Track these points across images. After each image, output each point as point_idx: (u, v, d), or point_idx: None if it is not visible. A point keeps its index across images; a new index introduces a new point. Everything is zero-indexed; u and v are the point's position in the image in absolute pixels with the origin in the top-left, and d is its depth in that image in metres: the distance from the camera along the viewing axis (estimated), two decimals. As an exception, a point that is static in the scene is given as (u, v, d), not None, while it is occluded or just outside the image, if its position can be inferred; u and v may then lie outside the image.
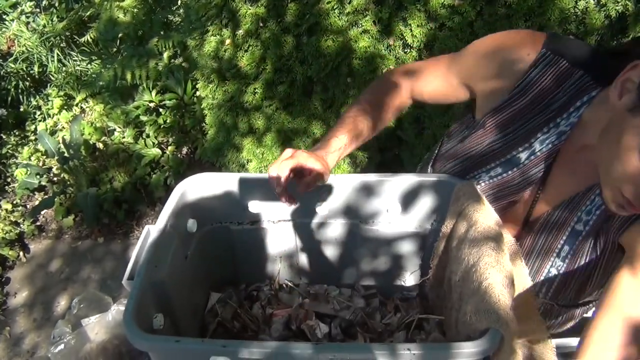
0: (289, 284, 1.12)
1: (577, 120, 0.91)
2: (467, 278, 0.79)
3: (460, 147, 1.05)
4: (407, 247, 1.04)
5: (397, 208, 0.99)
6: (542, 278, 0.99)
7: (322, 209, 0.98)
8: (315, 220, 1.03)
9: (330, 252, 1.08)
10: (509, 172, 0.99)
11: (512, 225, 1.05)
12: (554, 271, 0.99)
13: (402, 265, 1.07)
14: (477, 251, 0.79)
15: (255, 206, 1.01)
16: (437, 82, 1.07)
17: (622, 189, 0.78)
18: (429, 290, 1.04)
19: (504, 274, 0.76)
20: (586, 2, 1.64)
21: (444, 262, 0.95)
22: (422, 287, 1.08)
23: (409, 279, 1.09)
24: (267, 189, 0.98)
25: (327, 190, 0.97)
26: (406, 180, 0.95)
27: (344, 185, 0.96)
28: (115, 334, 0.98)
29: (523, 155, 0.97)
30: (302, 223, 1.04)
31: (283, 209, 1.02)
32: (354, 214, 1.00)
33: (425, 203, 0.99)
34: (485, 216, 0.86)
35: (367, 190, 0.96)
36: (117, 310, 1.00)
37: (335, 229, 1.03)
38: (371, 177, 0.94)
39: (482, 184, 1.01)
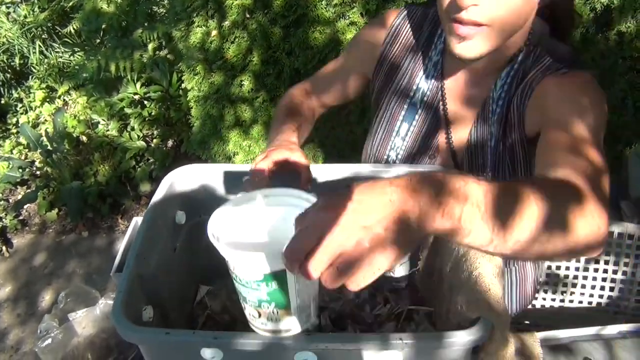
0: (278, 275, 1.11)
1: (443, 46, 1.02)
2: (457, 268, 0.79)
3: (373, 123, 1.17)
4: (396, 238, 1.04)
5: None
6: None
7: (313, 199, 0.98)
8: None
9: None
10: (414, 123, 1.07)
11: None
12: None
13: (392, 257, 1.07)
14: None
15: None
16: (333, 87, 1.19)
17: (449, 13, 0.84)
18: (419, 282, 1.04)
19: (493, 263, 0.76)
20: (572, -5, 1.66)
21: (433, 253, 0.95)
22: (411, 278, 1.08)
23: (399, 270, 1.09)
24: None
25: (318, 179, 0.96)
26: (398, 171, 0.95)
27: (336, 174, 0.95)
28: (103, 327, 0.97)
29: (416, 101, 1.07)
30: (291, 214, 1.03)
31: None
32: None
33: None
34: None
35: (360, 181, 0.95)
36: (104, 303, 0.99)
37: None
38: (364, 168, 0.94)
39: (399, 151, 1.10)
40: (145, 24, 2.84)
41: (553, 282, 1.36)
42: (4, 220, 2.83)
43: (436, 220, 0.51)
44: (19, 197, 2.94)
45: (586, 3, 1.66)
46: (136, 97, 2.85)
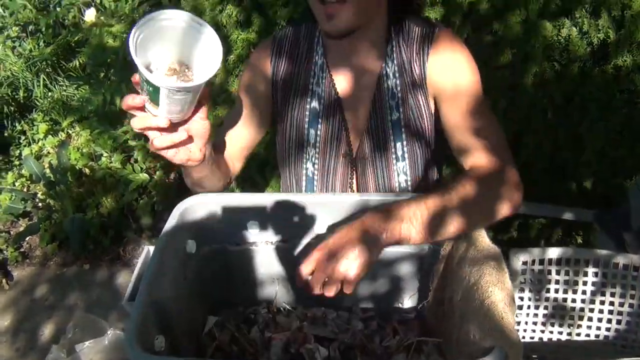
0: (287, 307, 1.11)
1: (323, 49, 1.11)
2: (468, 297, 0.80)
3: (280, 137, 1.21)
4: (405, 269, 1.04)
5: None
6: (397, 189, 1.14)
7: (321, 229, 0.99)
8: (313, 241, 1.03)
9: (328, 273, 1.08)
10: (319, 127, 1.13)
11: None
12: (403, 177, 1.12)
13: (401, 287, 1.08)
14: (478, 270, 0.80)
15: (253, 227, 1.01)
16: (238, 132, 1.17)
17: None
18: (428, 312, 1.04)
19: (505, 292, 0.76)
20: (569, 30, 1.70)
21: (443, 283, 0.96)
22: (420, 309, 1.08)
23: (407, 301, 1.09)
24: (266, 209, 0.98)
25: (326, 210, 0.97)
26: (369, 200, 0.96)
27: (343, 205, 0.96)
28: (111, 358, 0.97)
29: (315, 105, 1.13)
30: (299, 244, 1.04)
31: (281, 230, 1.02)
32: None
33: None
34: (484, 235, 0.87)
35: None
36: (112, 334, 0.99)
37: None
38: (372, 197, 0.95)
39: (315, 160, 1.15)
40: (150, 59, 2.89)
41: (559, 315, 1.35)
42: (4, 252, 2.82)
43: (385, 238, 0.80)
44: (21, 229, 2.93)
45: (583, 38, 1.70)
46: (140, 129, 2.87)
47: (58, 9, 3.87)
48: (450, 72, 1.04)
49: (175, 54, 0.77)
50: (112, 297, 2.55)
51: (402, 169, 1.12)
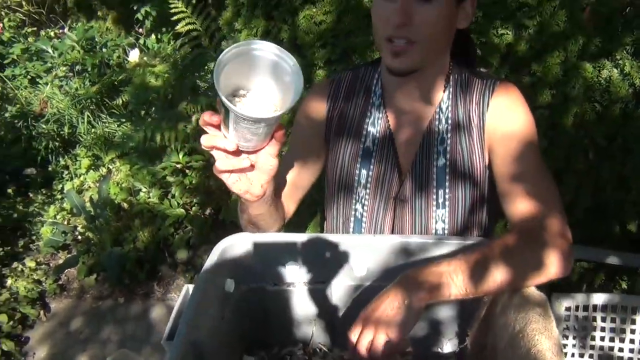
0: (323, 348, 1.09)
1: (381, 91, 1.12)
2: (513, 344, 0.77)
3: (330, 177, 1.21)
4: (445, 313, 1.02)
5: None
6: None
7: (360, 271, 0.98)
8: (352, 283, 1.02)
9: (366, 315, 1.06)
10: (371, 168, 1.13)
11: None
12: (440, 225, 1.10)
13: (440, 331, 1.05)
14: (524, 316, 0.78)
15: (292, 267, 1.01)
16: (291, 174, 1.17)
17: (384, 37, 0.97)
18: (469, 359, 1.01)
19: (552, 341, 0.74)
20: (609, 72, 1.68)
21: (485, 329, 0.93)
22: (460, 355, 1.05)
23: (447, 345, 1.07)
24: (305, 249, 0.98)
25: (364, 251, 0.97)
26: (446, 245, 0.95)
27: (384, 246, 0.96)
28: (147, 396, 0.97)
29: (369, 145, 1.13)
30: (337, 285, 1.03)
31: (319, 271, 1.01)
32: (392, 277, 1.00)
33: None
34: (529, 281, 0.85)
35: (407, 253, 0.96)
36: (149, 371, 0.99)
37: (373, 292, 1.02)
38: (412, 239, 0.94)
39: (364, 202, 1.14)
40: (190, 97, 2.98)
41: (589, 354, 1.30)
42: (44, 284, 2.88)
43: (425, 298, 0.82)
44: (60, 261, 2.99)
45: (624, 79, 1.68)
46: (178, 166, 2.94)
47: (104, 50, 4.05)
48: (504, 121, 1.04)
49: (258, 83, 0.77)
50: (146, 331, 2.57)
51: (441, 216, 1.10)
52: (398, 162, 1.12)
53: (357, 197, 1.16)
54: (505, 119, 1.04)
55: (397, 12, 0.92)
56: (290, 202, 1.18)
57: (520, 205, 0.97)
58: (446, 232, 1.11)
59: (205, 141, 0.79)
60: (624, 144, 1.75)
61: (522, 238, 0.90)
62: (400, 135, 1.12)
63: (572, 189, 1.84)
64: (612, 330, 1.27)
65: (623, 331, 1.27)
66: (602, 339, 1.28)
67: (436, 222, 1.10)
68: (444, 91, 1.09)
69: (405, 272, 0.82)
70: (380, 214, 1.15)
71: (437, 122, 1.09)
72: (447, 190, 1.08)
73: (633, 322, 1.26)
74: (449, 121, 1.08)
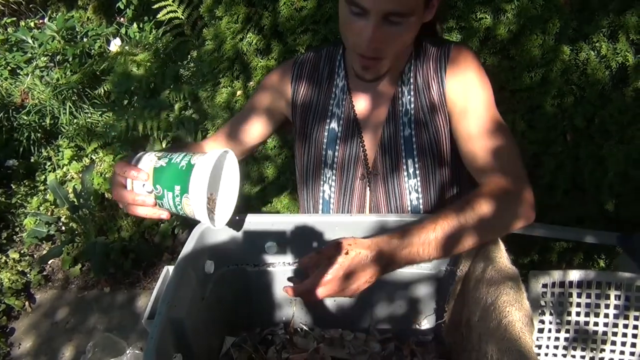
0: (304, 327, 1.11)
1: (344, 72, 1.14)
2: (486, 317, 0.79)
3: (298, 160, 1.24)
4: (422, 290, 1.04)
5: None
6: (409, 207, 1.14)
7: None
8: (331, 263, 1.03)
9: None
10: (337, 148, 1.15)
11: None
12: (414, 195, 1.13)
13: (418, 309, 1.07)
14: (495, 290, 0.80)
15: (272, 248, 1.02)
16: (236, 135, 1.23)
17: (354, 49, 0.99)
18: (446, 334, 1.03)
19: (523, 312, 0.76)
20: (587, 54, 1.70)
21: (460, 304, 0.95)
22: (438, 331, 1.07)
23: (425, 322, 1.09)
24: (284, 230, 0.99)
25: (343, 230, 0.98)
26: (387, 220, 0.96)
27: (362, 225, 0.97)
28: (130, 378, 0.98)
29: (334, 126, 1.14)
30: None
31: (299, 251, 1.03)
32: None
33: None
34: (501, 255, 0.87)
35: (384, 232, 0.97)
36: (132, 353, 1.00)
37: (351, 271, 1.04)
38: (389, 218, 0.96)
39: (331, 182, 1.17)
40: (172, 86, 2.96)
41: (582, 339, 1.33)
42: (28, 275, 2.87)
43: (399, 260, 0.83)
44: (44, 252, 2.98)
45: (601, 61, 1.70)
46: (161, 154, 2.93)
47: (85, 40, 4.00)
48: (463, 88, 1.06)
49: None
50: (132, 320, 2.57)
51: (413, 186, 1.12)
52: (362, 143, 1.14)
53: (324, 179, 1.19)
54: (462, 82, 1.06)
55: (369, 36, 0.92)
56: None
57: (484, 163, 1.00)
58: (420, 201, 1.13)
59: (142, 211, 0.90)
60: (601, 125, 1.77)
61: (491, 195, 0.91)
62: (365, 115, 1.14)
63: (551, 170, 1.86)
64: (588, 305, 1.30)
65: (598, 306, 1.30)
66: (578, 314, 1.31)
67: (409, 192, 1.13)
68: (406, 64, 1.11)
69: (381, 247, 0.82)
70: (347, 195, 1.18)
71: (400, 95, 1.11)
72: (416, 160, 1.11)
73: (607, 297, 1.29)
74: (411, 92, 1.10)
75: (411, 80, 1.10)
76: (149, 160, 0.87)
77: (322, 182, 1.20)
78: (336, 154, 1.16)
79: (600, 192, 1.84)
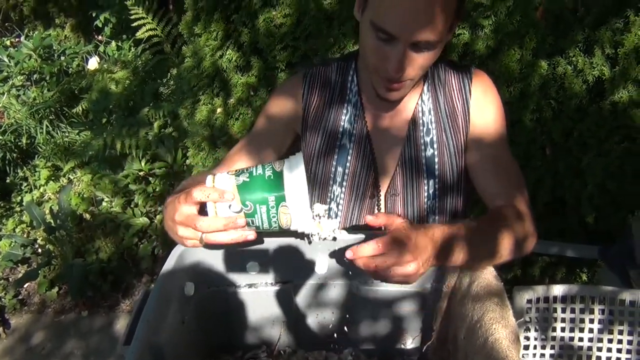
0: (288, 349, 1.08)
1: (357, 88, 1.12)
2: (472, 335, 0.78)
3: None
4: (407, 308, 1.02)
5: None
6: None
7: (321, 269, 0.97)
8: (314, 282, 1.01)
9: (330, 315, 1.06)
10: (347, 165, 1.12)
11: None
12: (432, 217, 1.11)
13: (403, 328, 1.05)
14: (481, 306, 0.79)
15: (253, 268, 1.00)
16: (248, 161, 1.16)
17: (378, 72, 0.96)
18: (432, 353, 1.01)
19: (509, 329, 0.75)
20: (564, 68, 1.72)
21: (446, 321, 0.94)
22: (423, 351, 1.06)
23: (410, 342, 1.07)
24: (266, 249, 0.97)
25: (327, 249, 0.96)
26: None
27: (344, 244, 0.95)
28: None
29: (345, 142, 1.13)
30: (300, 285, 1.02)
31: (282, 271, 1.01)
32: (353, 274, 1.00)
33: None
34: (486, 271, 0.86)
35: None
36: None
37: (335, 291, 1.02)
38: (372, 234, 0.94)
39: (339, 200, 1.14)
40: (152, 103, 2.94)
41: (567, 354, 1.32)
42: (2, 300, 2.79)
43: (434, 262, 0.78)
44: (19, 275, 2.90)
45: (578, 75, 1.72)
46: (141, 173, 2.89)
47: (62, 58, 3.96)
48: (486, 113, 1.08)
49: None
50: (110, 344, 2.50)
51: (432, 208, 1.11)
52: (375, 162, 1.11)
53: (332, 196, 1.15)
54: (485, 107, 1.08)
55: (396, 62, 0.91)
56: None
57: (499, 188, 1.03)
58: (437, 223, 1.11)
59: (230, 237, 0.79)
60: (579, 139, 1.79)
61: (516, 216, 0.94)
62: (379, 133, 1.12)
63: (532, 184, 1.87)
64: (572, 320, 1.30)
65: (582, 321, 1.29)
66: (563, 329, 1.30)
67: (428, 214, 1.11)
68: (423, 84, 1.10)
69: (435, 236, 0.78)
70: (355, 214, 1.14)
71: (420, 114, 1.09)
72: (437, 180, 1.09)
73: (591, 311, 1.29)
74: (431, 112, 1.09)
75: (430, 100, 1.09)
76: (226, 179, 0.79)
77: (328, 200, 1.16)
78: (346, 171, 1.13)
79: (580, 205, 1.86)
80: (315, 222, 0.81)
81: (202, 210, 0.80)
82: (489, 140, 1.06)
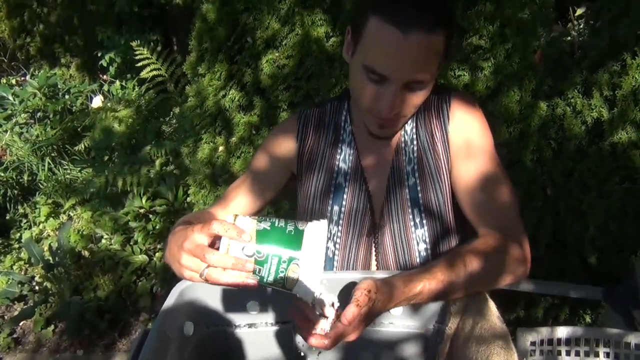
0: (287, 391, 1.06)
1: (350, 127, 1.14)
2: (477, 378, 0.76)
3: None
4: (410, 349, 1.01)
5: (399, 308, 0.97)
6: (417, 259, 1.10)
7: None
8: (315, 322, 1.00)
9: (330, 356, 1.04)
10: (344, 204, 1.13)
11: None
12: (422, 246, 1.10)
13: (405, 370, 1.03)
14: (486, 349, 0.77)
15: (253, 308, 0.99)
16: (245, 199, 1.18)
17: (371, 112, 0.98)
18: (435, 396, 0.99)
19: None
20: (563, 110, 1.74)
21: (449, 364, 0.92)
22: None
23: (413, 384, 1.05)
24: (265, 290, 0.96)
25: (328, 287, 0.95)
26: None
27: (346, 282, 0.94)
28: None
29: (341, 181, 1.14)
30: (301, 325, 1.01)
31: (282, 311, 0.99)
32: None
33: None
34: (491, 312, 0.85)
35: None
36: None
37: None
38: (377, 275, 0.93)
39: (336, 239, 1.13)
40: (154, 141, 2.96)
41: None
42: (-3, 338, 2.74)
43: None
44: (15, 313, 2.86)
45: (577, 117, 1.74)
46: (142, 211, 2.88)
47: (67, 97, 4.01)
48: (465, 137, 1.06)
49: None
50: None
51: (421, 237, 1.10)
52: (370, 199, 1.12)
53: (329, 235, 1.15)
54: (464, 130, 1.07)
55: (388, 103, 0.93)
56: None
57: (480, 215, 1.02)
58: (429, 252, 1.10)
59: (234, 279, 0.76)
60: (580, 179, 1.80)
61: (482, 252, 0.92)
62: (371, 167, 1.13)
63: (533, 225, 1.87)
64: (577, 363, 1.28)
65: (588, 364, 1.27)
66: (568, 372, 1.28)
67: (417, 243, 1.10)
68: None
69: (393, 295, 0.82)
70: (352, 252, 1.14)
71: (403, 145, 1.10)
72: (422, 208, 1.09)
73: (596, 354, 1.26)
74: (414, 141, 1.10)
75: (413, 130, 1.10)
76: (248, 222, 0.78)
77: (326, 239, 1.15)
78: (342, 209, 1.13)
79: (582, 246, 1.85)
80: (317, 292, 0.80)
81: (213, 245, 0.80)
82: (471, 165, 1.05)
